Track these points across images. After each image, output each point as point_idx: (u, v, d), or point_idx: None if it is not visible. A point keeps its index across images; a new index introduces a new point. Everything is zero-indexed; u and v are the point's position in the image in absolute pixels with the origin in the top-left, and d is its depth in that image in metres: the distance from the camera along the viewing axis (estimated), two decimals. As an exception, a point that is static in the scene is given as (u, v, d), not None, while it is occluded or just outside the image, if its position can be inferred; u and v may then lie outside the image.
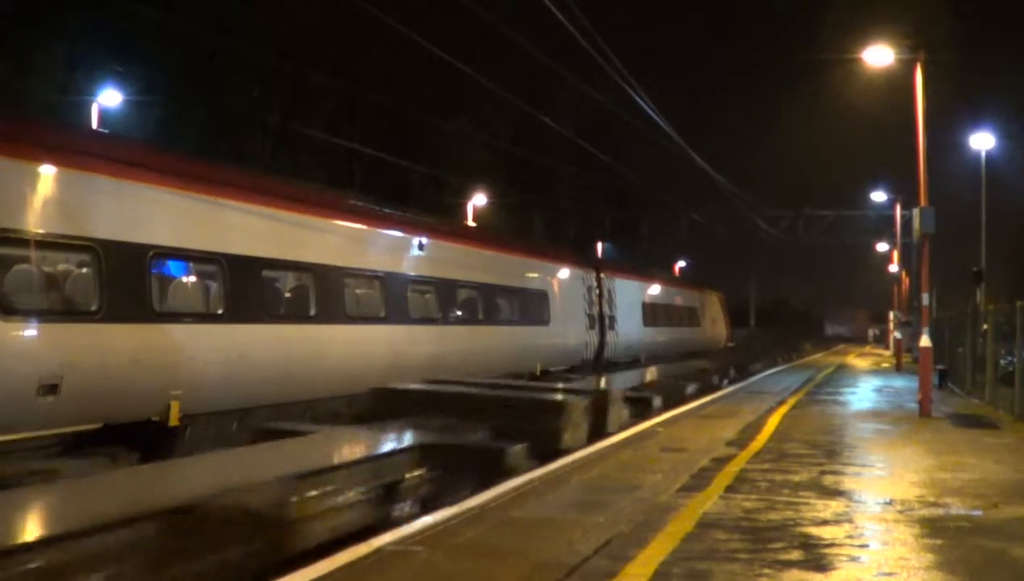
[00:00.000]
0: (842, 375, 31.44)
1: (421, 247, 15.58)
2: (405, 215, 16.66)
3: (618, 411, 13.31)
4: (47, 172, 9.01)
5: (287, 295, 13.10)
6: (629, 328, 26.88)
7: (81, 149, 9.72)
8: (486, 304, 17.92)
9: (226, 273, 10.97)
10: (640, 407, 15.15)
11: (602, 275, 25.14)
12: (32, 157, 8.89)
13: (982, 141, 32.98)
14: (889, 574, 6.08)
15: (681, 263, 65.67)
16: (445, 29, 27.95)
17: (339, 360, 13.06)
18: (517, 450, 9.58)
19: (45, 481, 7.74)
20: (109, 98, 28.12)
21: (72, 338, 9.04)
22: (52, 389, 8.63)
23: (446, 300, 16.27)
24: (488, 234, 24.32)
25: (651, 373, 21.97)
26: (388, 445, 8.72)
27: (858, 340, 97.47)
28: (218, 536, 5.96)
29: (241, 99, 34.57)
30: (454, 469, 8.82)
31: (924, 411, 16.34)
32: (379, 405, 11.38)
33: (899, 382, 26.40)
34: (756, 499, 8.39)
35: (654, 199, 53.79)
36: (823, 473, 9.93)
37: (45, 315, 8.93)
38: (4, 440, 8.26)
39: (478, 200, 42.13)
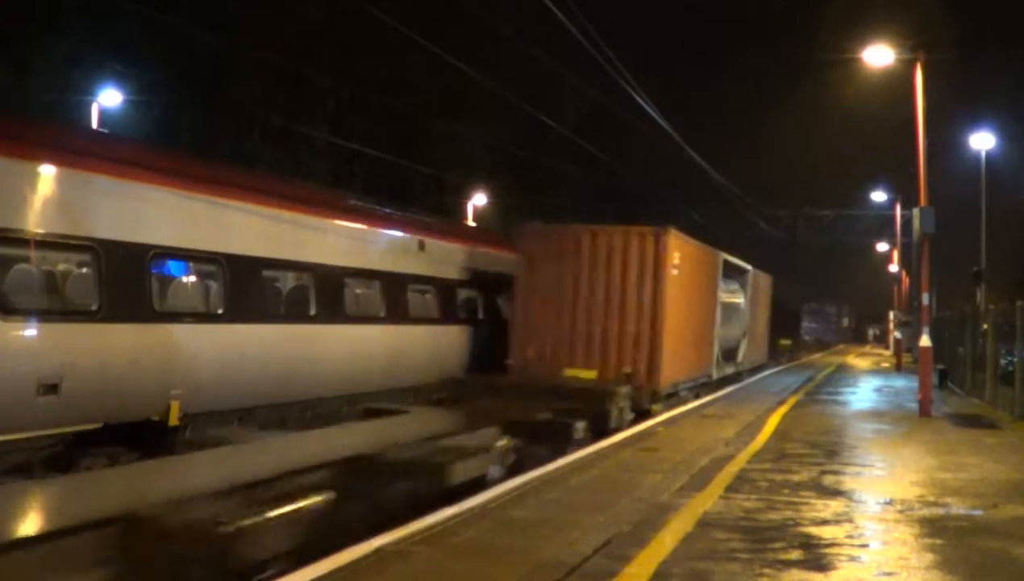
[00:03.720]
0: (842, 375, 31.44)
1: (422, 247, 15.57)
2: (405, 215, 16.64)
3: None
4: (47, 172, 8.99)
5: (287, 295, 13.08)
6: None
7: (81, 149, 9.69)
8: (487, 304, 17.91)
9: (226, 273, 10.95)
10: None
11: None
12: (32, 157, 8.87)
13: (982, 141, 32.99)
14: (889, 574, 6.08)
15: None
16: (445, 29, 27.94)
17: (340, 360, 13.05)
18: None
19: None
20: (109, 98, 28.09)
21: (72, 338, 9.03)
22: (52, 389, 8.62)
23: (446, 300, 16.25)
24: (489, 234, 24.27)
25: None
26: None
27: (858, 339, 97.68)
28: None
29: (241, 98, 34.52)
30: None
31: (924, 411, 16.33)
32: None
33: (899, 382, 26.40)
34: (756, 499, 8.39)
35: (654, 198, 53.77)
36: (823, 473, 9.94)
37: (45, 315, 8.91)
38: (4, 440, 8.25)
39: (478, 200, 42.09)
